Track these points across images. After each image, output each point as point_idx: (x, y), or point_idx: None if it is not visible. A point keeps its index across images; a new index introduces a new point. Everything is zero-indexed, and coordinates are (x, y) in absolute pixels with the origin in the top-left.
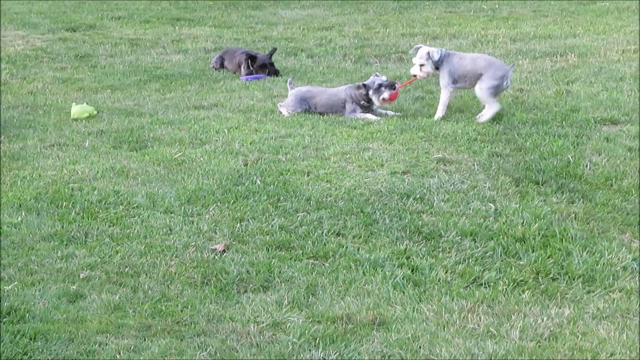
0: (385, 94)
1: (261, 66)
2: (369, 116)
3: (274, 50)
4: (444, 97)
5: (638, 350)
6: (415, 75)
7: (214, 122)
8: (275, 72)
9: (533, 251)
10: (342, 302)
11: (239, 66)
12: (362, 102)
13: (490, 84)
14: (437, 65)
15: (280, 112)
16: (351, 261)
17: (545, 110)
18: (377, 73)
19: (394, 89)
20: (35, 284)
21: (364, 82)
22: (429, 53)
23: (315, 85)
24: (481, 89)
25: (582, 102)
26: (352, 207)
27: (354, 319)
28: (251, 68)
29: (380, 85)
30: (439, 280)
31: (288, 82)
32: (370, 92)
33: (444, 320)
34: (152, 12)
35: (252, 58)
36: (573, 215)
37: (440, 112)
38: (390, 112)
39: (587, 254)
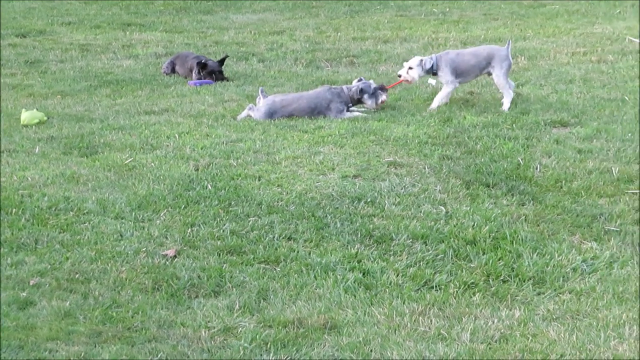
0: (384, 97)
1: (209, 73)
2: (357, 113)
3: (226, 57)
4: (446, 91)
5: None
6: (400, 76)
7: (165, 127)
8: (223, 79)
9: (484, 253)
10: (294, 306)
11: (191, 71)
12: (350, 104)
13: (504, 67)
14: (434, 71)
15: (249, 116)
16: (302, 265)
17: (495, 113)
18: (362, 77)
19: (386, 91)
20: None
21: (361, 87)
22: (421, 60)
23: (287, 93)
24: (498, 76)
25: (532, 105)
26: (304, 211)
27: (305, 323)
28: (201, 74)
29: (376, 89)
30: (390, 284)
31: (260, 91)
32: (366, 96)
33: (395, 324)
34: (103, 17)
35: (203, 65)
36: (523, 217)
37: (436, 105)
38: (357, 113)
39: (537, 255)
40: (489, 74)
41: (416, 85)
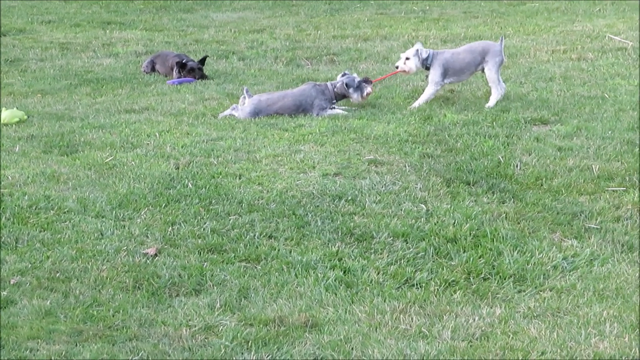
0: (369, 89)
1: (189, 70)
2: (339, 110)
3: (206, 57)
4: (430, 92)
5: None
6: (397, 67)
7: (145, 125)
8: (202, 77)
9: (464, 251)
10: (275, 304)
11: (171, 70)
12: (334, 100)
13: (497, 62)
14: (427, 66)
15: (232, 115)
16: (283, 263)
17: (475, 111)
18: (347, 71)
19: (371, 83)
20: None
21: (346, 82)
22: (417, 50)
23: (271, 92)
24: (491, 70)
25: (512, 103)
26: (284, 209)
27: (286, 321)
28: (181, 73)
29: (360, 82)
30: (371, 282)
31: (245, 90)
32: (351, 90)
33: (376, 322)
34: (83, 15)
35: (182, 65)
36: (504, 215)
37: (418, 103)
38: (338, 111)
39: (517, 253)
40: (483, 69)
41: (396, 84)
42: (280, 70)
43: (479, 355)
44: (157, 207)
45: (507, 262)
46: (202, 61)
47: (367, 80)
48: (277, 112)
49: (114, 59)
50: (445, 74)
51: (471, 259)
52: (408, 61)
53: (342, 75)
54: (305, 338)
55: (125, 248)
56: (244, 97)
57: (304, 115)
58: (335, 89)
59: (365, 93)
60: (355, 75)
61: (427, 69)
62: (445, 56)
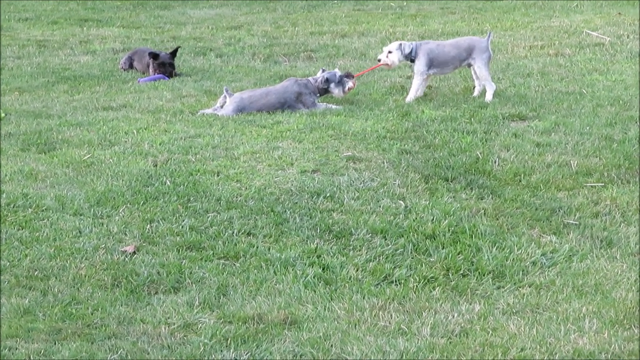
0: (350, 83)
1: (160, 64)
2: (332, 106)
3: (177, 48)
4: (417, 82)
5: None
6: (379, 60)
7: (123, 123)
8: (172, 74)
9: (443, 248)
10: (254, 302)
11: (148, 66)
12: (317, 94)
13: (485, 58)
14: (412, 58)
15: (213, 114)
16: (262, 261)
17: (453, 107)
18: (324, 68)
19: (353, 77)
20: None
21: (327, 77)
22: (401, 44)
23: (253, 89)
24: (480, 67)
25: None
26: (263, 206)
27: (265, 319)
28: (154, 65)
29: (341, 77)
30: (349, 279)
31: (225, 90)
32: (332, 85)
33: (355, 319)
34: (60, 13)
35: (154, 56)
36: (482, 211)
37: (411, 97)
38: (332, 106)
39: (496, 249)
40: (469, 65)
41: (374, 80)
42: (258, 67)
43: (458, 351)
44: (136, 205)
45: (486, 258)
46: (174, 53)
47: (348, 75)
48: (261, 109)
49: (91, 56)
50: (430, 64)
51: (450, 255)
52: (390, 55)
53: (322, 72)
54: (285, 335)
55: (103, 246)
56: (224, 97)
57: (282, 112)
58: (316, 84)
59: (346, 88)
60: (336, 70)
61: (412, 61)
62: (430, 46)
